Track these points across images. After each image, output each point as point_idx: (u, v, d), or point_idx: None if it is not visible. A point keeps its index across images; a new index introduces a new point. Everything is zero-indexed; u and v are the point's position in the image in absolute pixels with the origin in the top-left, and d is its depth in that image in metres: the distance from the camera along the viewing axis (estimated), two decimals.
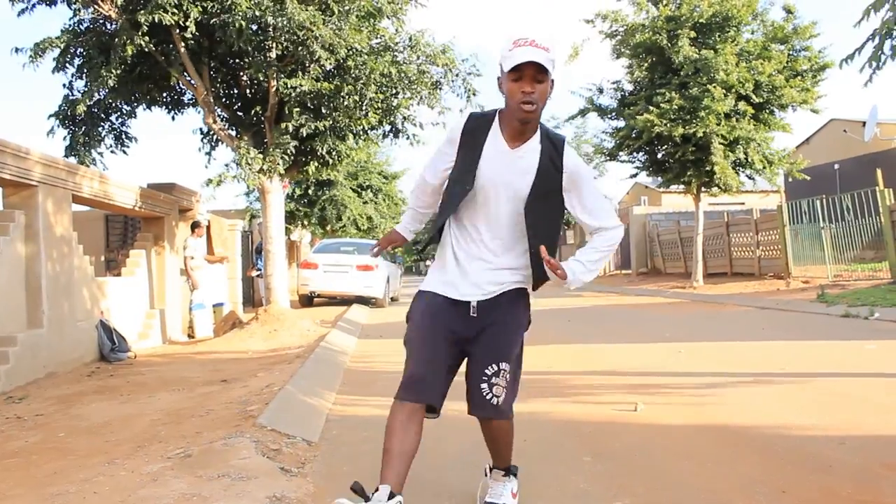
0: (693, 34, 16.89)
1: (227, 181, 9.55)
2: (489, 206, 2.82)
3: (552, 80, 2.69)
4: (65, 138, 9.61)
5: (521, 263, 2.88)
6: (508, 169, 2.78)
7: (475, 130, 2.82)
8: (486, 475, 3.05)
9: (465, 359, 2.87)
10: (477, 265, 2.84)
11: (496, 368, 2.80)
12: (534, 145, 2.79)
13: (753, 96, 16.40)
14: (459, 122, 2.88)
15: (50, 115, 9.50)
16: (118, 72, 8.56)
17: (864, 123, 24.62)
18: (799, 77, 16.71)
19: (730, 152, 16.73)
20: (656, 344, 8.27)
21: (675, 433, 4.16)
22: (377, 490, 2.61)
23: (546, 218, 2.86)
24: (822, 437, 3.91)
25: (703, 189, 18.24)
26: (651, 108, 16.71)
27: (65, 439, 4.30)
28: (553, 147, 2.81)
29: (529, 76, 2.61)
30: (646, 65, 18.03)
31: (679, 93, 16.64)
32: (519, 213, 2.81)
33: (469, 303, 2.82)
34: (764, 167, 17.21)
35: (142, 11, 8.03)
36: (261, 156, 9.43)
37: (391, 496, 2.60)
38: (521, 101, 2.64)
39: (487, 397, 2.80)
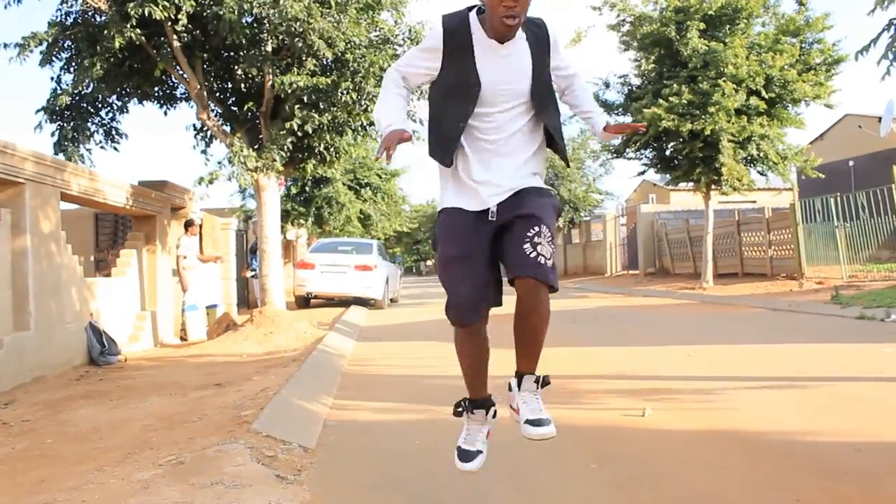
0: (702, 26, 16.72)
1: (219, 179, 9.48)
2: (495, 107, 2.81)
3: None
4: (53, 133, 9.54)
5: (534, 160, 2.91)
6: (505, 69, 2.79)
7: (456, 32, 2.79)
8: (511, 389, 2.88)
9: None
10: (493, 167, 2.82)
11: (537, 229, 2.71)
12: (521, 41, 2.81)
13: (765, 91, 16.23)
14: (436, 28, 2.84)
15: (38, 110, 9.45)
16: (105, 64, 8.47)
17: (879, 119, 24.37)
18: (812, 71, 16.52)
19: (740, 149, 16.58)
20: (665, 347, 8.23)
21: (684, 439, 4.12)
22: (471, 412, 2.94)
23: (552, 99, 2.94)
24: (837, 443, 3.87)
25: (712, 187, 18.09)
26: (659, 101, 16.53)
27: (52, 446, 4.25)
28: (537, 34, 2.85)
29: None
30: (653, 57, 17.85)
31: (688, 87, 16.43)
32: (524, 111, 2.85)
33: (488, 210, 2.80)
34: (777, 162, 17.06)
35: (132, 4, 7.93)
36: (254, 153, 9.33)
37: (487, 410, 2.95)
38: (504, 14, 2.62)
39: (531, 255, 2.68)
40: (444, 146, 2.85)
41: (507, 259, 2.76)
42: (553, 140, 2.96)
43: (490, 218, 2.78)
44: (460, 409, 2.94)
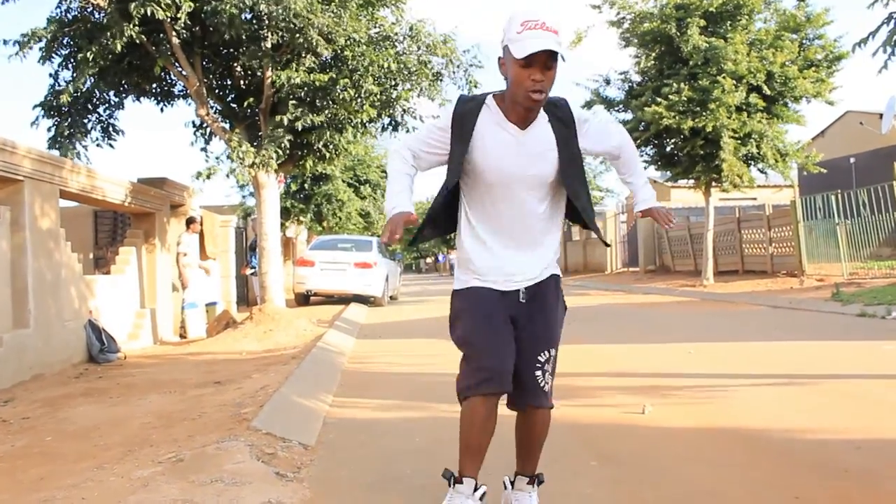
0: (703, 22, 16.71)
1: (216, 175, 9.49)
2: (513, 196, 2.76)
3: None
4: (49, 129, 9.52)
5: (553, 248, 2.89)
6: (526, 155, 2.72)
7: (464, 117, 2.75)
8: (506, 487, 2.94)
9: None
10: (513, 254, 2.79)
11: (548, 355, 2.79)
12: (543, 123, 2.74)
13: (765, 88, 16.22)
14: (446, 113, 2.81)
15: (35, 106, 9.44)
16: (103, 61, 8.46)
17: (881, 115, 24.33)
18: (813, 68, 16.53)
19: (741, 146, 16.60)
20: (665, 344, 8.25)
21: (685, 436, 4.13)
22: (460, 482, 2.75)
23: (581, 180, 2.86)
24: (837, 441, 3.88)
25: (713, 184, 18.11)
26: (659, 99, 16.54)
27: (52, 443, 4.26)
28: (559, 114, 2.76)
29: (540, 63, 2.53)
30: (654, 54, 17.84)
31: (688, 84, 16.45)
32: (546, 195, 2.79)
33: (518, 290, 2.79)
34: (777, 161, 17.08)
35: (134, 3, 7.93)
36: (253, 149, 9.33)
37: (476, 488, 2.76)
38: (531, 89, 2.56)
39: (541, 384, 2.78)
40: (470, 259, 2.83)
41: (515, 377, 2.76)
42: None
43: (521, 300, 2.79)
44: (447, 477, 2.80)
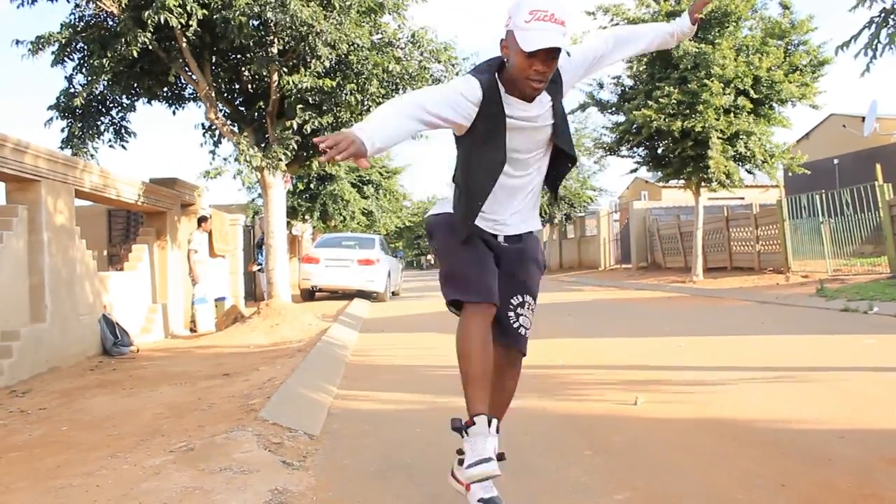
0: None
1: (223, 175, 9.58)
2: (522, 160, 2.79)
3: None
4: (63, 130, 9.62)
5: (537, 203, 2.97)
6: (532, 131, 2.75)
7: (490, 100, 2.66)
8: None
9: None
10: (508, 208, 2.84)
11: (521, 300, 2.87)
12: (543, 95, 2.72)
13: (752, 91, 16.42)
14: (473, 90, 2.64)
15: (49, 107, 9.52)
16: (116, 66, 8.56)
17: (863, 118, 24.57)
18: (798, 72, 16.70)
19: (729, 146, 16.74)
20: (656, 338, 8.28)
21: (675, 427, 4.15)
22: (472, 423, 2.59)
23: (568, 132, 2.91)
24: (822, 430, 3.91)
25: (702, 185, 18.26)
26: (650, 102, 16.72)
27: (68, 433, 4.31)
28: (552, 78, 2.72)
29: (544, 55, 2.51)
30: (645, 59, 18.02)
31: (678, 87, 16.64)
32: (544, 153, 2.84)
33: (497, 235, 2.86)
34: (764, 160, 17.22)
35: (147, 12, 8.02)
36: (260, 153, 9.42)
37: (489, 421, 2.61)
38: (533, 78, 2.56)
39: (514, 326, 2.86)
40: (471, 211, 2.78)
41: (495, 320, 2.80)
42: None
43: (500, 241, 2.86)
44: (457, 427, 2.66)
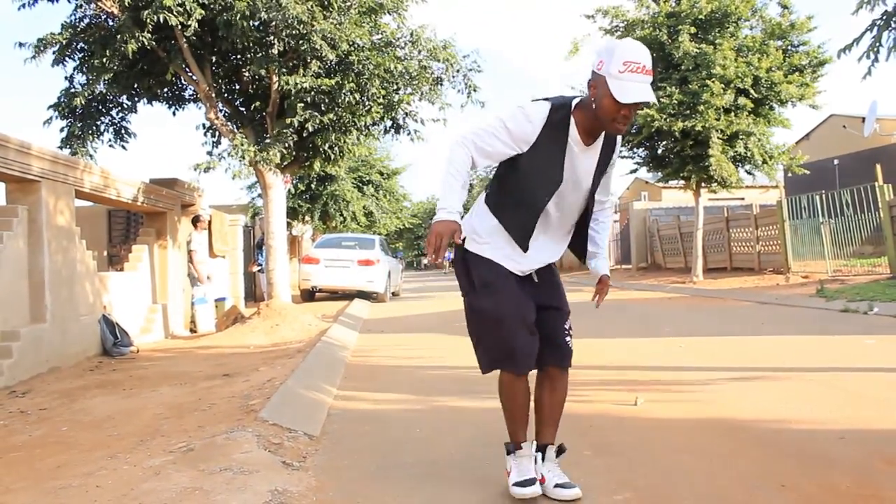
0: (693, 30, 16.94)
1: (215, 169, 9.60)
2: (565, 197, 2.94)
3: None
4: (62, 129, 9.63)
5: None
6: (582, 165, 2.91)
7: (557, 124, 2.82)
8: (537, 462, 3.09)
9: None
10: (542, 245, 3.01)
11: (568, 323, 3.14)
12: (599, 142, 2.93)
13: (752, 91, 16.46)
14: (539, 113, 2.81)
15: (49, 107, 9.54)
16: (117, 66, 8.58)
17: (863, 119, 24.62)
18: (798, 72, 16.75)
19: (728, 147, 16.78)
20: (656, 339, 8.29)
21: (675, 427, 4.16)
22: (519, 447, 3.02)
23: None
24: (822, 431, 3.92)
25: (702, 184, 18.28)
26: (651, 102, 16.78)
27: (68, 433, 4.31)
28: (612, 141, 2.96)
29: (635, 104, 2.68)
30: None
31: (679, 88, 16.68)
32: (582, 202, 3.03)
33: (531, 274, 3.05)
34: (764, 161, 17.26)
35: (147, 11, 8.03)
36: (254, 148, 9.43)
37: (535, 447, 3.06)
38: (620, 123, 2.71)
39: (570, 347, 3.13)
40: (522, 234, 2.94)
41: (548, 344, 3.04)
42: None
43: (535, 281, 3.05)
44: (509, 451, 3.06)
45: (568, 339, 3.10)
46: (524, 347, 2.91)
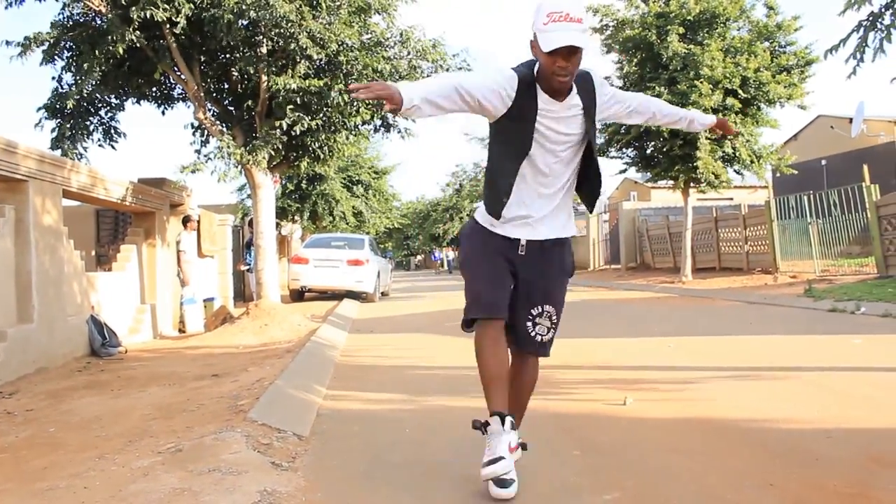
0: (682, 30, 17.04)
1: (201, 171, 9.57)
2: (547, 157, 3.02)
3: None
4: (52, 130, 9.58)
5: (570, 208, 3.22)
6: (559, 123, 2.98)
7: (525, 94, 2.93)
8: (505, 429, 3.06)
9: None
10: (534, 207, 3.06)
11: (540, 310, 3.16)
12: (574, 97, 2.99)
13: (741, 92, 16.56)
14: (511, 80, 2.92)
15: (39, 108, 9.49)
16: (105, 66, 8.54)
17: (850, 120, 24.86)
18: (785, 73, 16.87)
19: (717, 147, 16.87)
20: (645, 338, 8.32)
21: (664, 427, 4.18)
22: (489, 423, 2.99)
23: (595, 144, 3.16)
24: (810, 430, 3.94)
25: (691, 184, 18.37)
26: None
27: (55, 434, 4.28)
28: (586, 86, 3.01)
29: (564, 51, 2.76)
30: (635, 60, 18.15)
31: (668, 88, 16.76)
32: (573, 159, 3.09)
33: (519, 241, 3.09)
34: (752, 161, 17.36)
35: (134, 7, 7.99)
36: (240, 150, 9.40)
37: (503, 420, 2.96)
38: (557, 74, 2.82)
39: (531, 334, 3.17)
40: (496, 202, 3.07)
41: (512, 326, 3.17)
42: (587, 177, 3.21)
43: (520, 252, 3.09)
44: (477, 426, 3.08)
45: (529, 325, 3.16)
46: (488, 294, 3.06)
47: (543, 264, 3.15)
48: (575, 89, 2.99)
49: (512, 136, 3.00)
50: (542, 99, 2.93)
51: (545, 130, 2.97)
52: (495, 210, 3.08)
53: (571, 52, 2.77)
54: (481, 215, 3.20)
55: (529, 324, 3.16)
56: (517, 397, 3.26)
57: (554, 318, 3.22)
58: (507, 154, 3.05)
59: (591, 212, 3.50)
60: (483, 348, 3.05)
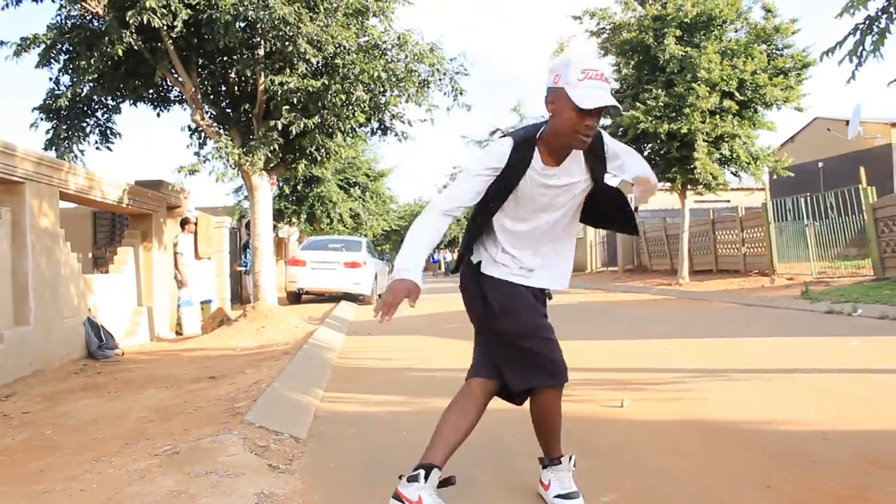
0: (678, 33, 17.09)
1: (199, 172, 9.55)
2: (539, 218, 2.90)
3: None
4: (48, 132, 9.57)
5: (568, 258, 3.09)
6: (560, 190, 2.85)
7: (522, 156, 2.78)
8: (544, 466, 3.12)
9: None
10: (544, 255, 2.97)
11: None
12: (578, 156, 2.84)
13: (738, 94, 16.61)
14: (504, 150, 2.79)
15: (34, 108, 9.46)
16: (102, 67, 8.53)
17: (847, 122, 24.91)
18: (782, 75, 16.91)
19: (714, 149, 16.90)
20: (642, 340, 8.32)
21: (662, 429, 4.18)
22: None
23: (609, 200, 3.03)
24: (806, 432, 3.96)
25: (688, 187, 18.40)
26: (637, 104, 16.86)
27: (52, 437, 4.28)
28: (595, 150, 2.85)
29: (597, 112, 2.63)
30: (632, 63, 18.19)
31: (665, 91, 16.80)
32: (571, 220, 2.98)
33: (544, 290, 3.01)
34: (749, 163, 17.40)
35: (130, 12, 7.98)
36: (238, 150, 9.39)
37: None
38: (584, 133, 2.66)
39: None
40: (467, 245, 3.05)
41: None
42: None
43: (548, 298, 3.04)
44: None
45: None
46: (477, 354, 3.06)
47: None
48: (581, 153, 2.84)
49: (494, 193, 2.86)
50: (535, 163, 2.79)
51: (530, 191, 2.83)
52: (460, 255, 3.14)
53: (601, 114, 2.70)
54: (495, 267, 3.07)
55: None
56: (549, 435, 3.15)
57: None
58: (485, 206, 2.94)
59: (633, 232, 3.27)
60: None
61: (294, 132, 9.37)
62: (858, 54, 4.74)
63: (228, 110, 10.68)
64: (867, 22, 4.91)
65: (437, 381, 6.04)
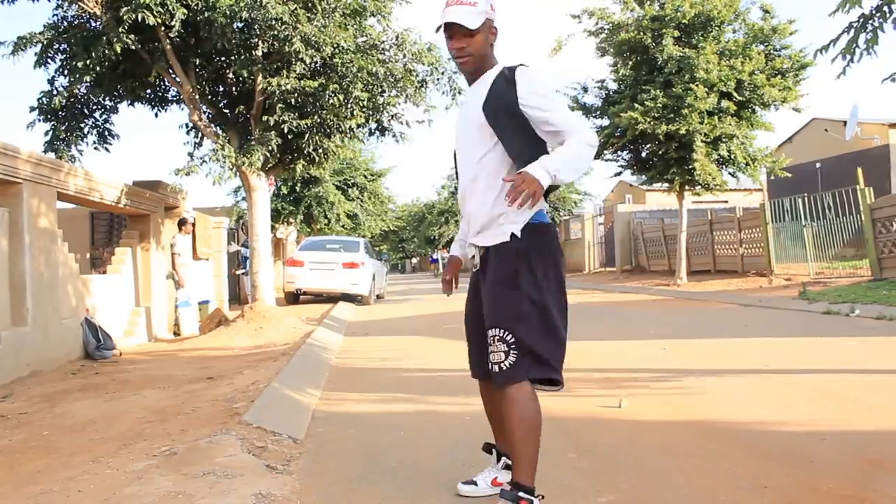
0: (677, 33, 17.10)
1: (196, 173, 9.54)
2: (462, 148, 2.94)
3: (492, 27, 2.80)
4: (46, 133, 9.55)
5: (490, 205, 2.80)
6: (467, 106, 2.92)
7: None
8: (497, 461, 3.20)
9: None
10: (468, 210, 2.92)
11: (491, 333, 2.72)
12: (489, 78, 2.83)
13: (736, 94, 16.62)
14: None
15: (32, 109, 9.45)
16: (99, 67, 8.52)
17: (845, 123, 24.95)
18: (780, 76, 16.92)
19: (712, 149, 16.92)
20: (640, 341, 8.32)
21: (659, 429, 4.19)
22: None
23: (513, 131, 2.74)
24: (804, 432, 3.96)
25: (686, 187, 18.41)
26: (636, 105, 16.87)
27: (49, 437, 4.27)
28: (507, 74, 2.75)
29: (458, 33, 2.74)
30: (630, 63, 18.21)
31: (663, 91, 16.79)
32: (487, 142, 2.77)
33: (475, 253, 2.96)
34: (747, 164, 17.41)
35: (125, 9, 7.97)
36: (234, 153, 9.38)
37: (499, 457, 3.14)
38: (455, 56, 2.82)
39: (490, 361, 2.72)
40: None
41: None
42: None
43: (476, 267, 2.98)
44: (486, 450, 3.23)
45: (490, 355, 2.72)
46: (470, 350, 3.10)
47: (486, 278, 2.84)
48: (494, 74, 2.77)
49: None
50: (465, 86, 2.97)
51: (458, 126, 2.97)
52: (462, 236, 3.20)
53: (464, 34, 2.72)
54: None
55: (491, 354, 2.73)
56: (511, 445, 2.73)
57: (507, 339, 2.67)
58: None
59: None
60: (483, 403, 3.22)
61: (287, 130, 9.36)
62: (852, 52, 4.76)
63: (226, 110, 10.67)
64: (861, 20, 4.92)
65: (435, 382, 6.04)
